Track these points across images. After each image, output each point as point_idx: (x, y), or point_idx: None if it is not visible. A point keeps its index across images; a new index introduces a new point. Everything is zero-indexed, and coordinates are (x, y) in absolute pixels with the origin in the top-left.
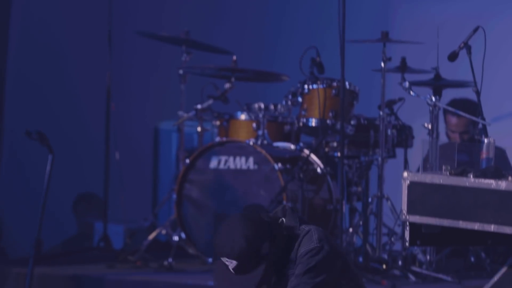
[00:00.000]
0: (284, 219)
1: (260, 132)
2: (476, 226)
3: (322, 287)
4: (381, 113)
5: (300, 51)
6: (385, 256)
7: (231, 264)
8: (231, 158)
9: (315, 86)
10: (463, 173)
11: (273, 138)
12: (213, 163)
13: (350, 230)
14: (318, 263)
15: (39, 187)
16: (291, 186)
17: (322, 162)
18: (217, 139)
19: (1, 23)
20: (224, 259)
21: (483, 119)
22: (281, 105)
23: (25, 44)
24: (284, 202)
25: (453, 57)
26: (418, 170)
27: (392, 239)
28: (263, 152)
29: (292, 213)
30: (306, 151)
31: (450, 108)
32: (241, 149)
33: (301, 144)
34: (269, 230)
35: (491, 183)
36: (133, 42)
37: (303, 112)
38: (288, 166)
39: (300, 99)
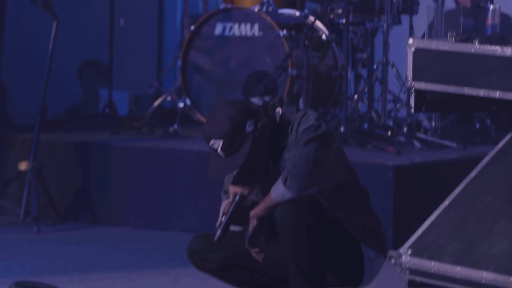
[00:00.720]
0: (281, 109)
1: None
2: (481, 92)
3: (323, 164)
4: None
5: None
6: (390, 123)
7: (218, 144)
8: (236, 25)
9: None
10: (468, 40)
11: (278, 5)
12: (218, 30)
13: (355, 97)
14: (317, 136)
15: (44, 54)
16: (296, 52)
17: (327, 29)
18: (222, 5)
19: None
20: (212, 143)
21: None
22: None
23: None
24: (289, 69)
25: None
26: (423, 37)
27: (397, 105)
28: (268, 18)
29: (289, 102)
30: (311, 18)
31: None
32: (246, 16)
33: (306, 11)
34: (253, 111)
35: (496, 49)
36: None
37: None
38: (293, 33)
39: None
